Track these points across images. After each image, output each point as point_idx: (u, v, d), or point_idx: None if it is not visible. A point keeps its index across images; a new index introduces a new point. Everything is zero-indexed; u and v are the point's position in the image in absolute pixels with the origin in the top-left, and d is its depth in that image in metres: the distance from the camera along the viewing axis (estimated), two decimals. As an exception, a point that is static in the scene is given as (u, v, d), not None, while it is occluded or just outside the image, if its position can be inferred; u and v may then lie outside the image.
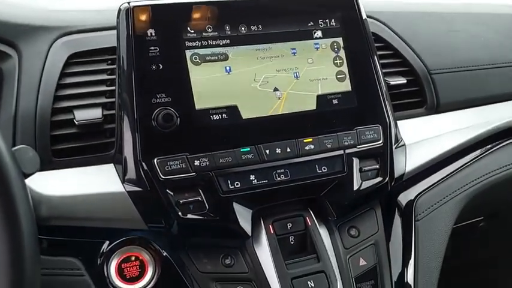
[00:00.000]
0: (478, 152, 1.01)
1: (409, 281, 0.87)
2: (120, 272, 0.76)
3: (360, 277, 0.85)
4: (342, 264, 0.84)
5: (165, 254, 0.78)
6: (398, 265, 0.88)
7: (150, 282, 0.77)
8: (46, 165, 0.79)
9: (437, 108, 1.03)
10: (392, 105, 0.92)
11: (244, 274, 0.80)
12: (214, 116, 0.79)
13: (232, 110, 0.80)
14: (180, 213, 0.75)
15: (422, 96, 1.03)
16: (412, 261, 0.88)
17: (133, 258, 0.78)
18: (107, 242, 0.77)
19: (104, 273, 0.75)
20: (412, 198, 0.93)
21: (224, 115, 0.80)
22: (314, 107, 0.85)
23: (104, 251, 0.76)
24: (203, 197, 0.76)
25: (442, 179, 0.96)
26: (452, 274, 1.96)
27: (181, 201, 0.75)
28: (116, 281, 0.76)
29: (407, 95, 1.02)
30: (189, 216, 0.75)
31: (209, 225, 0.78)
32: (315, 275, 0.81)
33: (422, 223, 0.91)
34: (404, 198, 0.93)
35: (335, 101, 0.86)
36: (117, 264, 0.76)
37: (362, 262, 0.86)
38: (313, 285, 0.80)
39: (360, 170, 0.86)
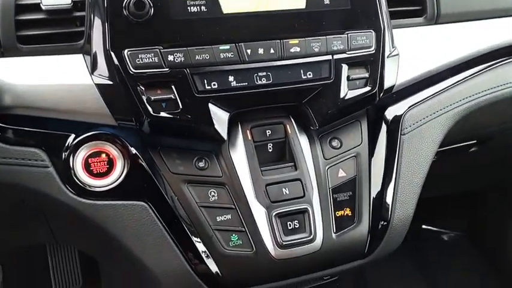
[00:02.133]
0: (476, 68, 0.95)
1: (388, 195, 0.85)
2: (87, 167, 0.74)
3: (337, 188, 0.82)
4: (320, 174, 0.81)
5: (134, 151, 0.75)
6: (379, 179, 0.85)
7: (118, 179, 0.74)
8: (11, 51, 0.74)
9: (437, 19, 0.96)
10: (390, 11, 0.85)
11: (218, 178, 0.77)
12: (192, 8, 0.73)
13: (212, 3, 0.74)
14: (151, 110, 0.71)
15: (423, 4, 0.95)
16: (393, 176, 0.85)
17: (103, 154, 0.75)
18: (73, 136, 0.73)
19: (70, 166, 0.73)
20: (401, 112, 0.88)
21: (203, 7, 0.73)
22: (303, 6, 0.78)
23: (70, 144, 0.73)
24: (176, 95, 0.72)
25: (435, 93, 0.91)
26: (436, 202, 1.98)
27: (152, 98, 0.71)
28: (82, 175, 0.73)
29: (407, 2, 0.94)
30: (161, 114, 0.71)
31: (182, 125, 0.74)
32: (291, 182, 0.79)
33: (408, 137, 0.87)
34: (392, 111, 0.88)
35: (326, 1, 0.79)
36: (84, 159, 0.73)
37: (341, 173, 0.84)
38: (287, 192, 0.78)
39: (348, 78, 0.80)
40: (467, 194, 1.94)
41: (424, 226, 2.10)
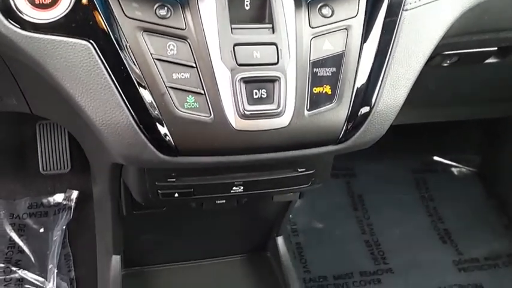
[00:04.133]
0: None
1: (376, 77, 0.73)
2: (29, -4, 0.64)
3: (319, 62, 0.71)
4: (301, 42, 0.70)
5: None
6: (369, 58, 0.73)
7: (62, 13, 0.65)
8: None
9: None
10: None
11: (180, 30, 0.67)
12: None
13: None
14: None
15: None
16: (387, 56, 0.73)
17: None
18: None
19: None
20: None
21: None
22: None
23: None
24: None
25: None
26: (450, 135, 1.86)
27: None
28: (23, 5, 0.64)
29: None
30: None
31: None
32: (264, 46, 0.68)
33: (410, 14, 0.74)
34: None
35: None
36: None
37: (327, 46, 0.72)
38: (258, 56, 0.68)
39: None
40: (483, 126, 1.82)
41: (435, 158, 2.00)
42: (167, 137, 0.68)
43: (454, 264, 1.72)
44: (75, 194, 1.58)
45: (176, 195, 0.86)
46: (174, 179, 0.83)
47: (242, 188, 0.87)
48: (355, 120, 0.73)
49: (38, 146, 1.57)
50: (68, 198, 1.58)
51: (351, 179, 1.90)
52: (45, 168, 1.58)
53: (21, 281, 1.44)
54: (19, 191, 1.60)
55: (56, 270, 1.45)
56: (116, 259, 1.25)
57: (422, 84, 1.16)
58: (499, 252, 1.76)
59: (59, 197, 1.59)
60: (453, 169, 1.99)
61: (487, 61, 1.09)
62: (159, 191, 0.85)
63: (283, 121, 0.69)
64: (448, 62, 1.05)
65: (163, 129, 0.67)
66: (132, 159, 0.72)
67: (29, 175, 1.60)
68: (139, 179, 0.87)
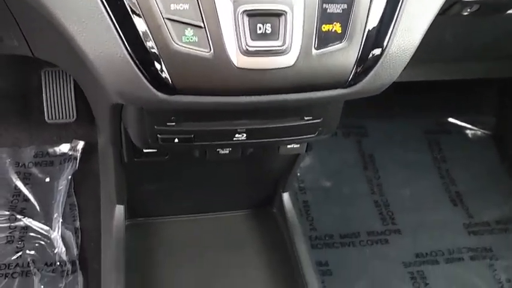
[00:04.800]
0: None
1: (391, 15, 0.68)
2: None
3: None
4: None
5: None
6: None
7: None
8: None
9: None
10: None
11: None
12: None
13: None
14: None
15: None
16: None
17: None
18: None
19: None
20: None
21: None
22: None
23: None
24: None
25: None
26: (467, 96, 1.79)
27: None
28: None
29: None
30: None
31: None
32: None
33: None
34: None
35: None
36: None
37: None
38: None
39: None
40: (500, 87, 1.77)
41: (450, 119, 1.94)
42: (163, 72, 0.64)
43: (464, 227, 1.69)
44: (81, 144, 1.56)
45: (176, 140, 0.83)
46: (173, 123, 0.80)
47: (245, 135, 0.83)
48: (365, 62, 0.69)
49: (44, 94, 1.55)
50: (73, 149, 1.56)
51: (362, 138, 1.85)
52: (50, 117, 1.56)
53: (26, 229, 1.44)
54: (24, 139, 1.58)
55: (60, 220, 1.45)
56: (119, 209, 1.24)
57: (439, 37, 1.10)
58: (510, 216, 1.73)
59: (64, 147, 1.57)
60: (467, 131, 1.94)
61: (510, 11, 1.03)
62: (158, 136, 0.82)
63: (288, 60, 0.65)
64: (469, 10, 0.99)
65: (159, 64, 0.63)
66: (128, 96, 0.69)
67: (35, 124, 1.58)
68: (139, 123, 0.84)
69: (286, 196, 1.36)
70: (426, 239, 1.64)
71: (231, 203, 1.37)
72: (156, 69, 0.64)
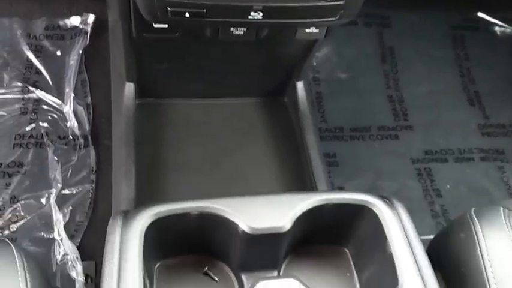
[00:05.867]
0: None
1: None
2: None
3: None
4: None
5: None
6: None
7: None
8: None
9: None
10: None
11: None
12: None
13: None
14: None
15: None
16: None
17: None
18: None
19: None
20: None
21: None
22: None
23: None
24: None
25: None
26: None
27: None
28: None
29: None
30: None
31: None
32: None
33: None
34: None
35: None
36: None
37: None
38: None
39: None
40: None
41: (479, 14, 1.84)
42: None
43: (479, 127, 1.67)
44: (91, 17, 1.52)
45: (187, 15, 0.79)
46: None
47: (261, 14, 0.79)
48: None
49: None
50: (84, 22, 1.52)
51: (384, 29, 1.77)
52: None
53: (39, 101, 1.45)
54: (36, 10, 1.54)
55: (72, 95, 1.45)
56: (129, 86, 1.23)
57: None
58: (526, 119, 1.69)
59: (75, 20, 1.53)
60: (496, 28, 1.84)
61: None
62: (168, 8, 0.78)
63: None
64: None
65: None
66: None
67: (45, -5, 1.53)
68: (148, -7, 0.80)
69: (300, 85, 1.33)
70: (438, 137, 1.63)
71: (242, 90, 1.35)
72: None
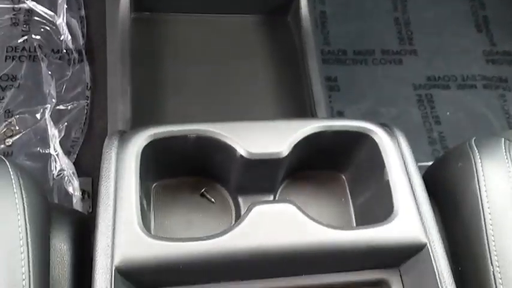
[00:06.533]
0: None
1: None
2: None
3: None
4: None
5: None
6: None
7: None
8: None
9: None
10: None
11: None
12: None
13: None
14: None
15: None
16: None
17: None
18: None
19: None
20: None
21: None
22: None
23: None
24: None
25: None
26: None
27: None
28: None
29: None
30: None
31: None
32: None
33: None
34: None
35: None
36: None
37: None
38: None
39: None
40: None
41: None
42: None
43: (484, 54, 1.62)
44: None
45: None
46: None
47: None
48: None
49: None
50: None
51: (395, -51, 1.68)
52: None
53: (31, 12, 1.39)
54: None
55: (65, 6, 1.39)
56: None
57: None
58: (535, 47, 1.65)
59: None
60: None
61: None
62: None
63: None
64: None
65: None
66: None
67: None
68: None
69: (304, 2, 1.28)
70: (441, 62, 1.59)
71: (243, 5, 1.29)
72: None
